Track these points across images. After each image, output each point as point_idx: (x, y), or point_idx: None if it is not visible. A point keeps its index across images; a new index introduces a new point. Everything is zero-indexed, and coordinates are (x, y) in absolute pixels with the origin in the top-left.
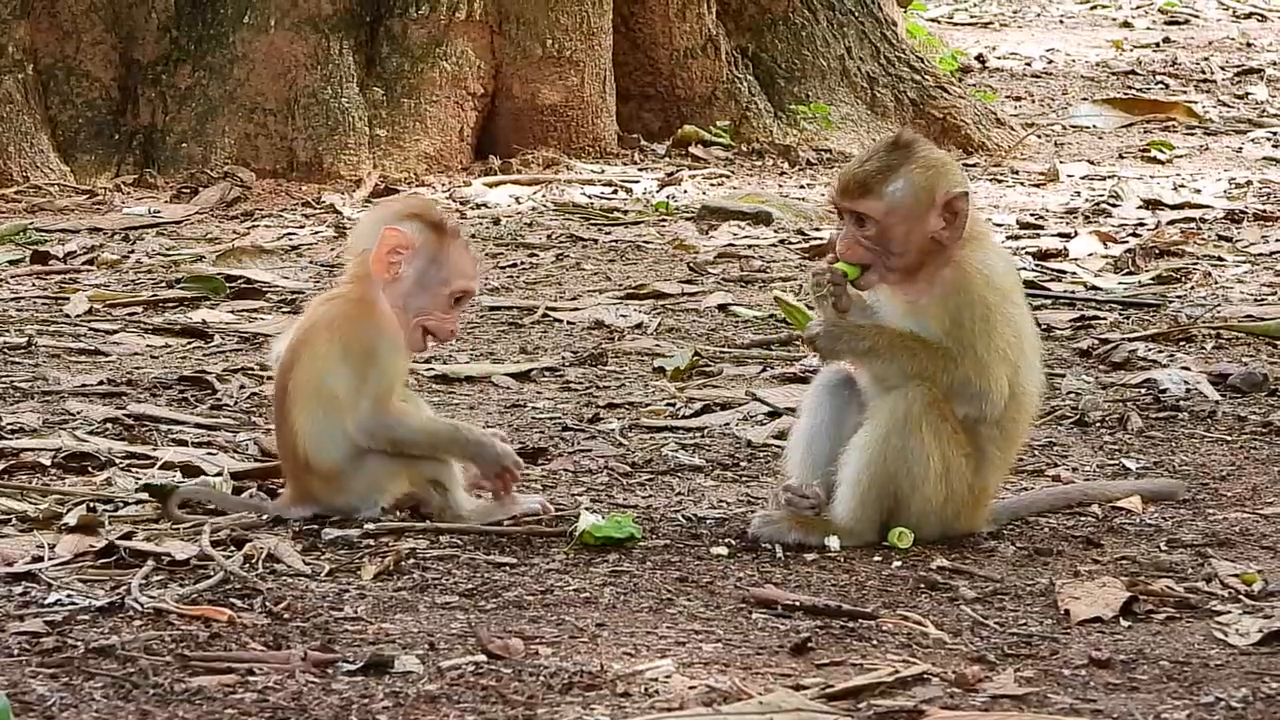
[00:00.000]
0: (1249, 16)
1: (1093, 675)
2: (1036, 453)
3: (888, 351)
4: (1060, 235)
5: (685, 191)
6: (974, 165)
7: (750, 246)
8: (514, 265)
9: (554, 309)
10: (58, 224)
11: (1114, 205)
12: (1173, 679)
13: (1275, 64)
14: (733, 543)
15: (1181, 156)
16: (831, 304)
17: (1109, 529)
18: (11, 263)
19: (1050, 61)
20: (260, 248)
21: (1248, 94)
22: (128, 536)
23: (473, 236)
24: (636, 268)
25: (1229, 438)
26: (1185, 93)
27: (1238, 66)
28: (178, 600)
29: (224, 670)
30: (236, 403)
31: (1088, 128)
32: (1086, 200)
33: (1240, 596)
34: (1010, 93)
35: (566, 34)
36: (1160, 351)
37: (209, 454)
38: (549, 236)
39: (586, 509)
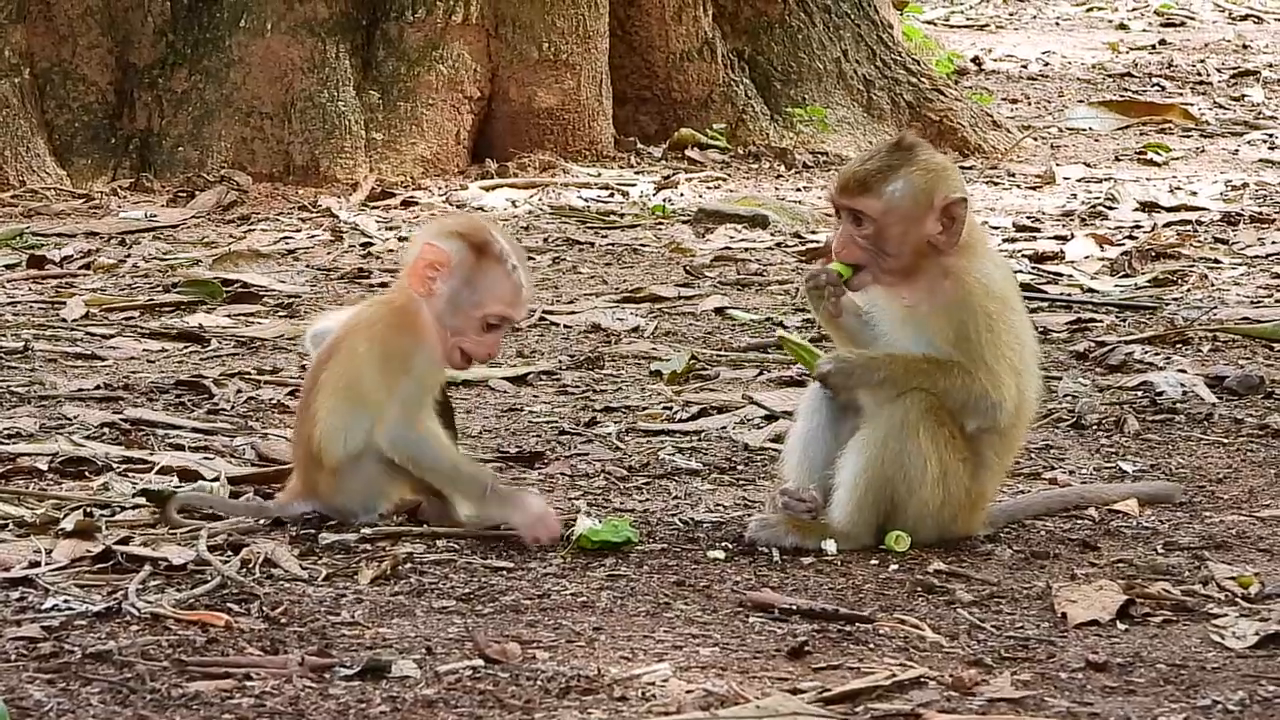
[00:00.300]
0: (1245, 18)
1: (1089, 678)
2: (1033, 455)
3: (904, 378)
4: (1056, 238)
5: (682, 194)
6: (970, 168)
7: (747, 250)
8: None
9: (551, 312)
10: (54, 228)
11: (1110, 208)
12: (1169, 682)
13: (1271, 66)
14: (730, 546)
15: (1178, 159)
16: (827, 307)
17: (1106, 532)
18: (8, 267)
19: (1046, 64)
20: (257, 252)
21: (1244, 96)
22: (125, 541)
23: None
24: (633, 271)
25: (1225, 440)
26: (1181, 95)
27: (1234, 69)
28: (175, 605)
29: (221, 675)
30: (233, 407)
31: (1084, 130)
32: (1083, 203)
33: (1237, 599)
34: (1006, 95)
35: (563, 37)
36: (1157, 354)
37: (206, 459)
38: (545, 240)
39: (583, 513)
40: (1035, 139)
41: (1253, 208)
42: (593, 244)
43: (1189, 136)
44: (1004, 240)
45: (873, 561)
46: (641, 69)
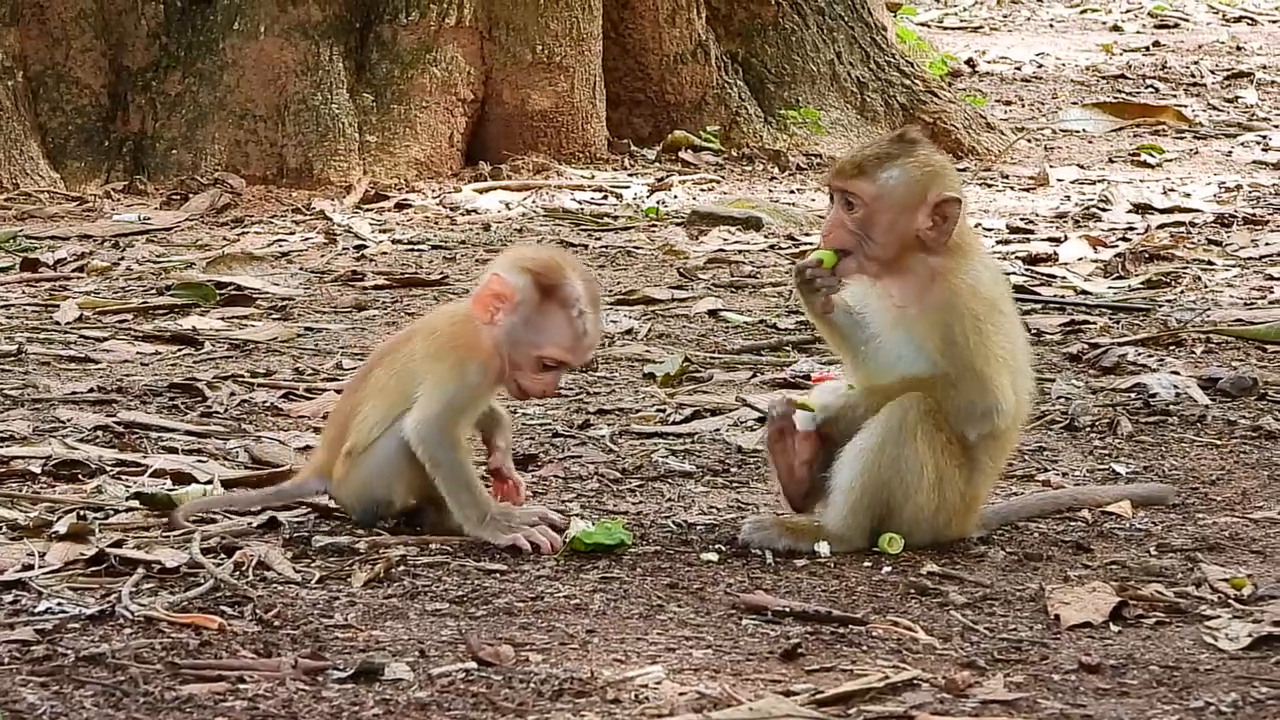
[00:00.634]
0: (1239, 20)
1: (1082, 680)
2: (1026, 457)
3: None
4: (1050, 239)
5: (675, 197)
6: (964, 170)
7: (740, 252)
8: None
9: None
10: (48, 231)
11: (1104, 209)
12: (1162, 684)
13: (1265, 68)
14: (723, 548)
15: (1171, 160)
16: (818, 301)
17: (1099, 534)
18: (1, 270)
19: (1040, 65)
20: (250, 254)
21: (1237, 98)
22: (118, 544)
23: (462, 243)
24: (627, 273)
25: (1219, 442)
26: (1175, 97)
27: (1227, 70)
28: (168, 608)
29: (214, 678)
30: (226, 410)
31: (1077, 132)
32: (1076, 204)
33: (1230, 601)
34: (1000, 97)
35: (556, 40)
36: (1150, 356)
37: (199, 461)
38: (539, 242)
39: (576, 515)
40: (1029, 141)
41: (1246, 209)
42: (586, 246)
43: (1182, 138)
44: (997, 242)
45: (866, 564)
46: (635, 71)
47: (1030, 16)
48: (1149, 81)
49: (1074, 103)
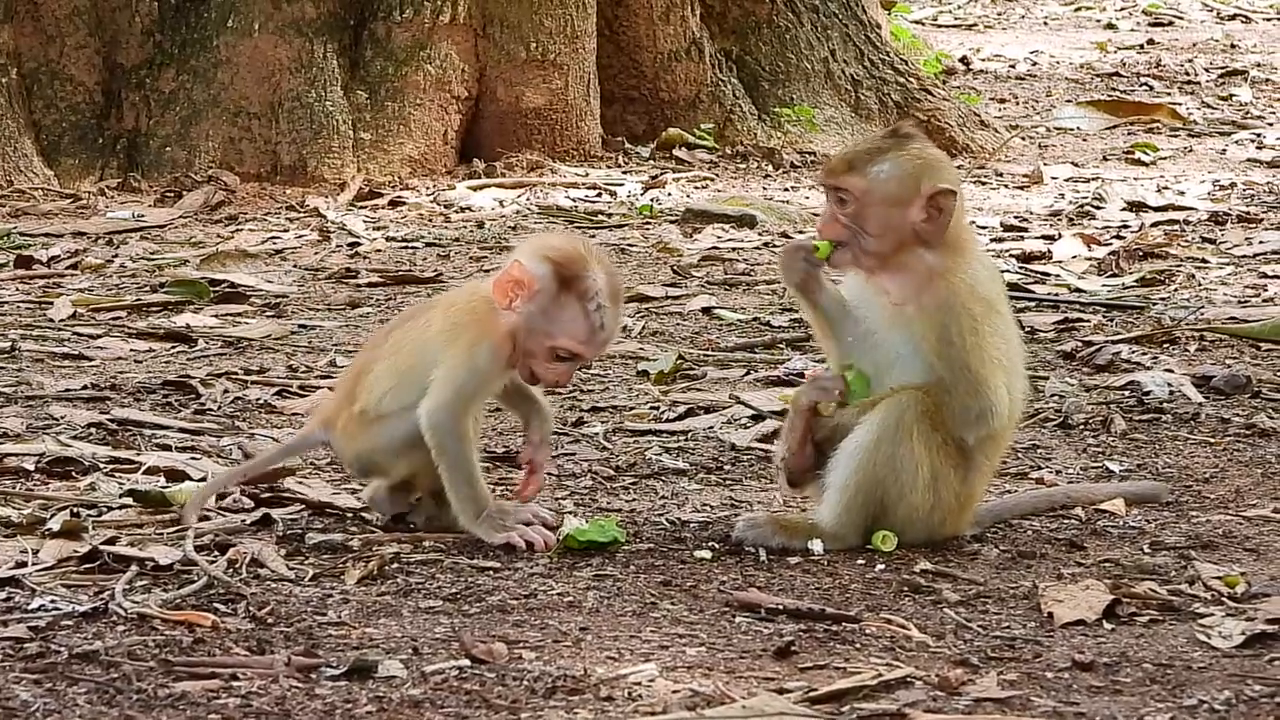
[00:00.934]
0: (1233, 18)
1: (1076, 678)
2: (1020, 455)
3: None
4: (1044, 237)
5: (669, 194)
6: (958, 167)
7: (734, 249)
8: (498, 269)
9: None
10: (41, 228)
11: (1098, 207)
12: (1156, 682)
13: (1259, 65)
14: (716, 546)
15: (1165, 158)
16: (798, 275)
17: (1092, 532)
18: None
19: (1034, 63)
20: (244, 252)
21: (1232, 96)
22: (111, 542)
23: (456, 240)
24: (620, 270)
25: (1212, 440)
26: (1169, 94)
27: (1222, 68)
28: (161, 605)
29: (208, 675)
30: (220, 407)
31: (1072, 130)
32: (1070, 202)
33: (1223, 599)
34: (994, 95)
35: (550, 37)
36: (1144, 354)
37: (193, 459)
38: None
39: (570, 513)
40: (1023, 139)
41: (1240, 207)
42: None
43: (1177, 136)
44: (992, 240)
45: (859, 561)
46: (629, 69)
47: (1024, 14)
48: (1143, 79)
49: (1068, 100)
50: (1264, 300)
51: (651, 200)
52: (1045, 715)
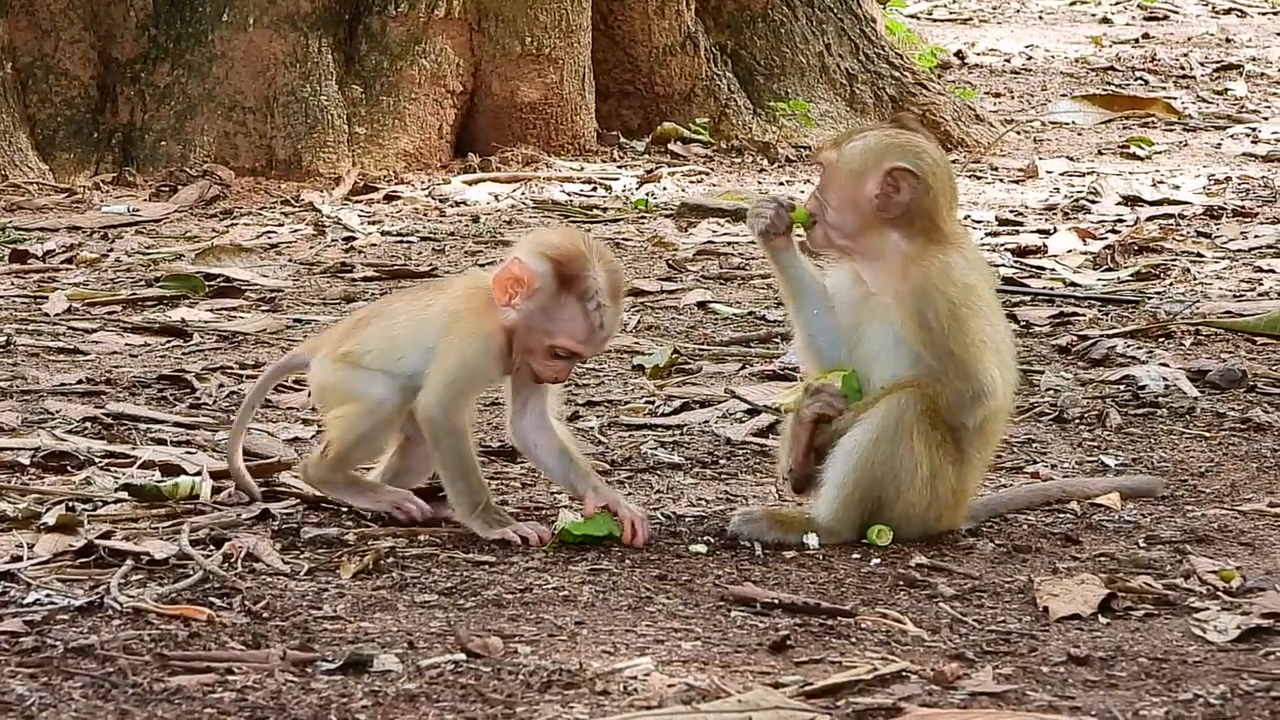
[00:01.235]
0: (1228, 12)
1: (1071, 672)
2: (1015, 449)
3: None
4: (1039, 232)
5: (664, 189)
6: (954, 162)
7: (729, 244)
8: (494, 263)
9: None
10: (36, 222)
11: (1093, 201)
12: (1151, 676)
13: (1254, 60)
14: (712, 540)
15: (1161, 153)
16: (761, 229)
17: (1087, 526)
18: None
19: (1029, 58)
20: (239, 246)
21: (1227, 90)
22: (106, 536)
23: (451, 234)
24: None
25: (1207, 434)
26: (1164, 89)
27: (1217, 62)
28: (157, 599)
29: (203, 669)
30: (215, 402)
31: (1067, 124)
32: (1066, 196)
33: (1218, 593)
34: (989, 89)
35: (545, 31)
36: (1139, 348)
37: (188, 453)
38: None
39: (565, 507)
40: (1018, 133)
41: (1235, 201)
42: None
43: (1172, 130)
44: (987, 234)
45: (854, 556)
46: (624, 63)
47: (1019, 8)
48: (1138, 74)
49: (1063, 95)
50: (1259, 294)
51: (646, 194)
52: (1040, 709)
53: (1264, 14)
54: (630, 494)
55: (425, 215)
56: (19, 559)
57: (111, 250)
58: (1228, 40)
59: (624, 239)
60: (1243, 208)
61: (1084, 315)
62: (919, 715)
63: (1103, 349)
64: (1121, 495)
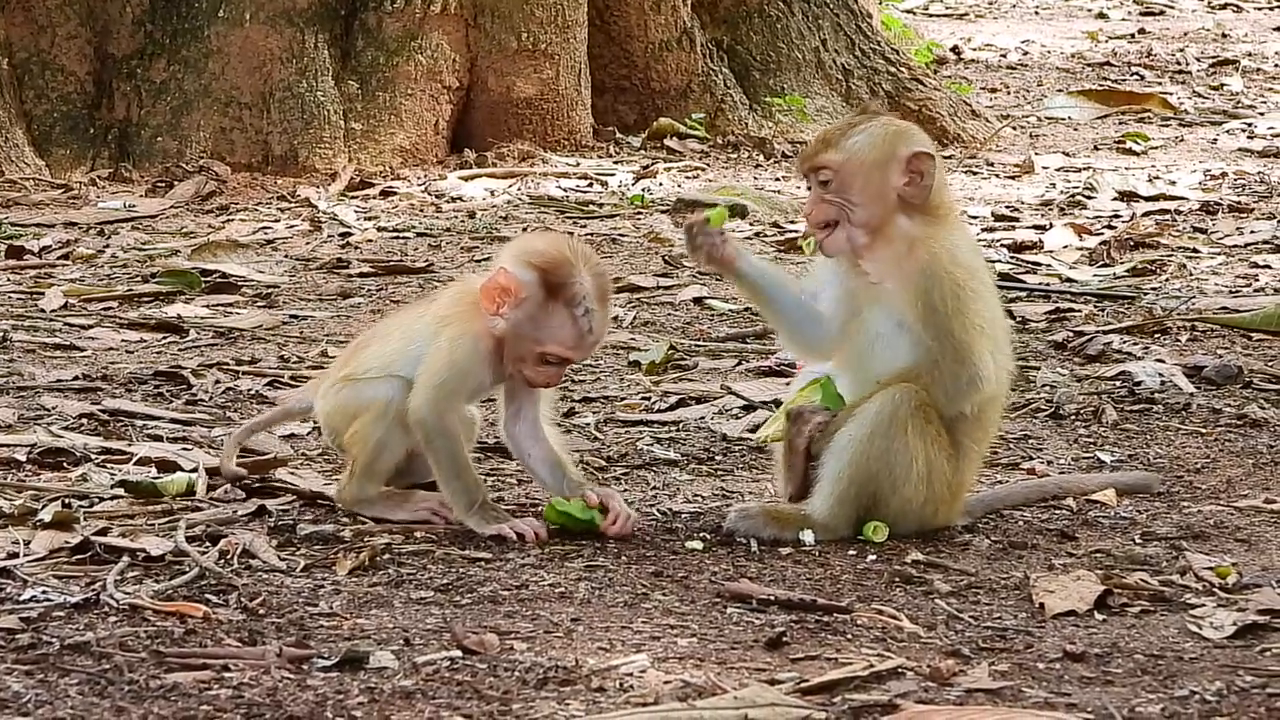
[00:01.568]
0: (1224, 7)
1: (1067, 669)
2: (1011, 445)
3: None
4: (1035, 227)
5: (660, 184)
6: (949, 157)
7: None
8: (489, 259)
9: None
10: (32, 218)
11: (1089, 197)
12: (1147, 672)
13: (1250, 55)
14: (708, 537)
15: (1157, 148)
16: (706, 254)
17: (1083, 522)
18: None
19: (1025, 53)
20: (236, 242)
21: (1223, 85)
22: (103, 532)
23: (447, 230)
24: (612, 261)
25: (1203, 430)
26: (1160, 84)
27: (1213, 58)
28: (153, 596)
29: (199, 666)
30: (212, 398)
31: (1063, 119)
32: (1061, 192)
33: (1214, 589)
34: (985, 84)
35: (541, 27)
36: (1135, 344)
37: (184, 449)
38: (524, 229)
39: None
40: (1014, 128)
41: (1231, 197)
42: (571, 234)
43: (1168, 125)
44: (983, 230)
45: (851, 552)
46: (620, 58)
47: (1015, 3)
48: (1134, 69)
49: (1059, 90)
50: (1255, 290)
51: (643, 190)
52: (1036, 706)
53: (1260, 9)
54: (626, 490)
55: (421, 211)
56: (15, 555)
57: (107, 246)
58: (1224, 35)
59: (620, 235)
60: (1238, 203)
61: (1080, 311)
62: (915, 712)
63: (1098, 345)
64: (1117, 491)
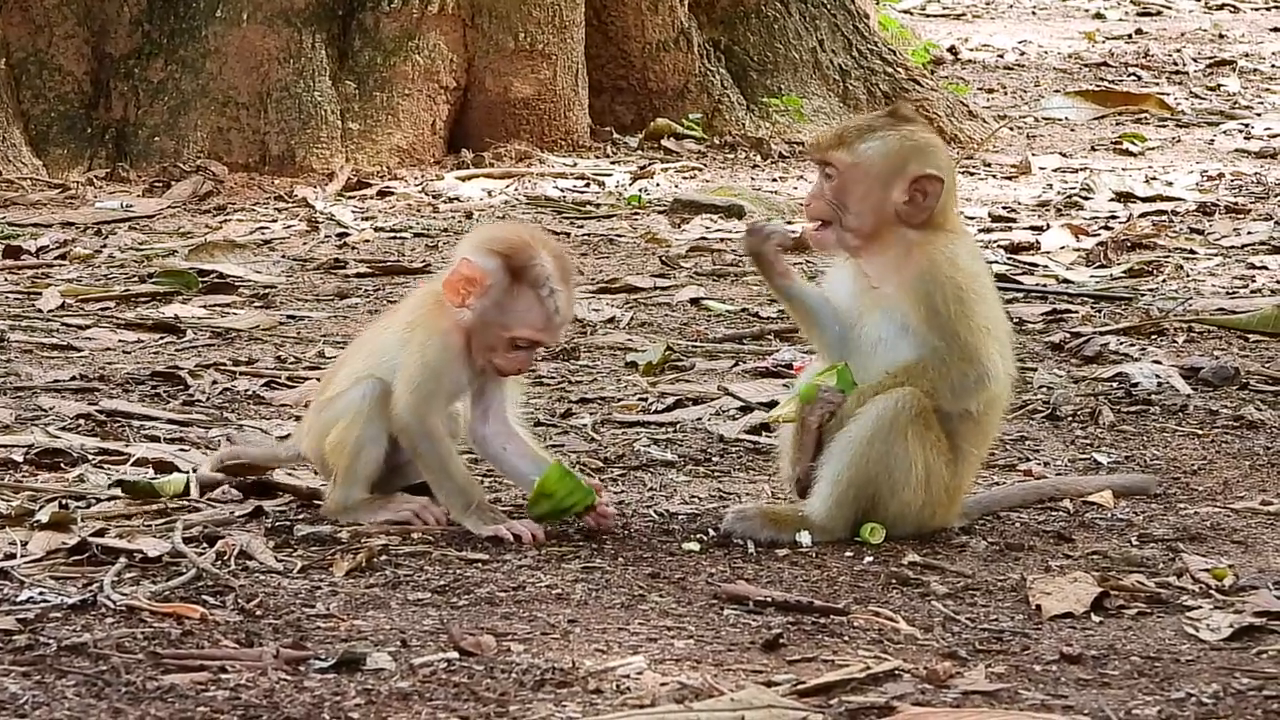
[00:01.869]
0: (1221, 8)
1: (1064, 671)
2: (1008, 447)
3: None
4: (1032, 228)
5: (658, 185)
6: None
7: (723, 240)
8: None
9: None
10: (30, 218)
11: (1086, 198)
12: (1144, 674)
13: (1247, 56)
14: (705, 538)
15: (1153, 149)
16: (766, 256)
17: (1080, 524)
18: None
19: (1022, 53)
20: (233, 242)
21: (1220, 86)
22: (100, 533)
23: (444, 230)
24: (609, 261)
25: (1200, 432)
26: (1157, 85)
27: (1210, 58)
28: (150, 597)
29: (196, 668)
30: (209, 399)
31: (1060, 120)
32: (1058, 193)
33: (1211, 591)
34: (982, 85)
35: (539, 27)
36: (1132, 345)
37: (181, 450)
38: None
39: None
40: (1011, 129)
41: (1228, 198)
42: (568, 234)
43: (1165, 126)
44: (980, 230)
45: (848, 554)
46: (617, 59)
47: (1013, 4)
48: (1131, 69)
49: (1056, 91)
50: (1252, 291)
51: (640, 190)
52: (1033, 708)
53: (1257, 9)
54: (624, 491)
55: (419, 211)
56: (12, 557)
57: (105, 246)
58: (1220, 36)
59: (617, 235)
60: (1235, 204)
61: (1077, 312)
62: (911, 714)
63: (1095, 346)
64: (1114, 493)
